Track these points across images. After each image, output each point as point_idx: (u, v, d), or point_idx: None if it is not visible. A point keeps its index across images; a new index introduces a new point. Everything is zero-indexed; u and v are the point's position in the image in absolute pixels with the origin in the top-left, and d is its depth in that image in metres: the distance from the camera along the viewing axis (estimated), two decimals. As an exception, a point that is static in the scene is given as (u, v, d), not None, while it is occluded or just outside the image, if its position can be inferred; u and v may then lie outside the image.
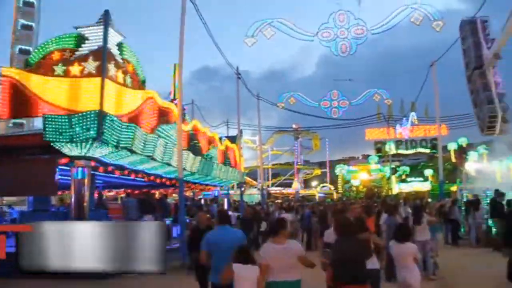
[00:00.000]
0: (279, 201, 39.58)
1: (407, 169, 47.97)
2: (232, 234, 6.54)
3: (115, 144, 12.50)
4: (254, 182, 51.92)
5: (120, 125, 12.64)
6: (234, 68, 26.70)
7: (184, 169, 16.54)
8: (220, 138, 24.29)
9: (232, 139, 27.45)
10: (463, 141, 47.72)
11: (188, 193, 26.72)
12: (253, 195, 45.05)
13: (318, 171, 62.77)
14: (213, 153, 21.83)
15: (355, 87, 43.25)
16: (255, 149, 51.28)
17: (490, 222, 16.94)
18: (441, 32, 28.46)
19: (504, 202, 15.43)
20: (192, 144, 19.19)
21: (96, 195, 18.26)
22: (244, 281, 5.49)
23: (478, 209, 17.95)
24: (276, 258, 5.48)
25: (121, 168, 15.08)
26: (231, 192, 37.69)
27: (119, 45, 13.57)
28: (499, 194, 16.38)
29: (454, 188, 32.03)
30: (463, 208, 20.15)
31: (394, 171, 47.77)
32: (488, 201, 17.51)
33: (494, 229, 16.45)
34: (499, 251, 12.79)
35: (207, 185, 25.49)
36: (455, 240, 18.36)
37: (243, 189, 30.18)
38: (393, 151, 49.37)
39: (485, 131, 34.69)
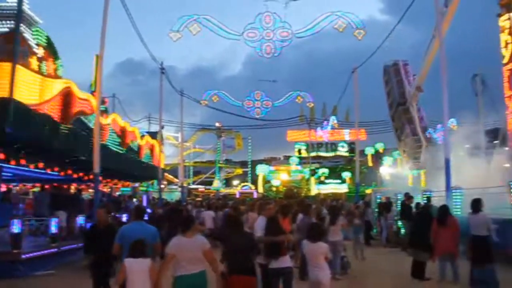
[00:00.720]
0: (199, 199, 39.31)
1: (326, 171, 49.51)
2: (145, 230, 6.80)
3: (25, 134, 11.74)
4: (175, 179, 51.22)
5: (31, 115, 11.89)
6: (158, 62, 26.17)
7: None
8: (141, 134, 23.71)
9: (154, 135, 26.90)
10: (380, 146, 50.23)
11: (106, 189, 25.81)
12: (173, 192, 44.41)
13: (239, 170, 63.10)
14: (134, 147, 21.27)
15: (279, 89, 44.07)
16: (177, 146, 50.65)
17: (399, 223, 17.85)
18: (362, 40, 29.65)
19: (412, 205, 16.32)
20: (111, 138, 18.57)
21: (3, 189, 17.13)
22: (135, 274, 5.77)
23: (390, 211, 18.86)
24: (183, 251, 5.76)
25: (32, 160, 14.23)
26: (150, 189, 36.91)
27: (35, 30, 12.77)
28: (408, 197, 17.29)
29: (369, 190, 33.47)
30: (376, 209, 21.13)
31: (313, 172, 49.12)
32: (399, 204, 18.44)
33: (403, 230, 17.35)
34: (405, 251, 13.52)
35: (125, 180, 24.76)
36: (367, 240, 19.14)
37: (162, 186, 29.62)
38: (305, 154, 50.78)
39: (411, 162, 36.62)
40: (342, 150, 51.23)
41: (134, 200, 26.31)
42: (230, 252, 6.36)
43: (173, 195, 41.20)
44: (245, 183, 59.15)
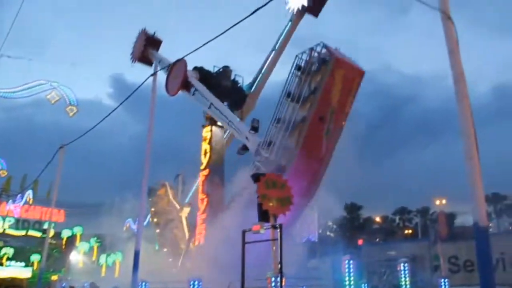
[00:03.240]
0: None
1: (11, 251, 44.02)
2: None
3: None
4: None
5: None
6: None
7: None
8: None
9: None
10: (78, 230, 47.85)
11: None
12: None
13: None
14: None
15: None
16: None
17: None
18: (78, 118, 29.04)
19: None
20: None
21: None
22: None
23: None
24: None
25: None
26: None
27: None
28: (93, 286, 16.76)
29: (55, 277, 31.06)
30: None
31: (-6, 251, 43.06)
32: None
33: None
34: None
35: None
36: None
37: None
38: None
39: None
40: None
41: None
42: None
43: None
44: None
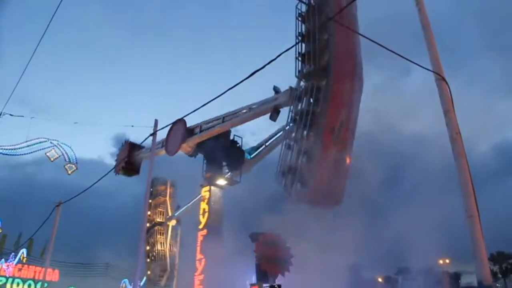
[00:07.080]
0: None
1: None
2: None
3: None
4: None
5: None
6: None
7: None
8: None
9: None
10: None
11: None
12: None
13: None
14: None
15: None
16: None
17: None
18: (75, 176, 29.00)
19: None
20: None
21: None
22: None
23: None
24: None
25: None
26: None
27: None
28: None
29: None
30: None
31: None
32: None
33: None
34: None
35: None
36: None
37: None
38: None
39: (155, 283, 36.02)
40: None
41: None
42: None
43: None
44: None
